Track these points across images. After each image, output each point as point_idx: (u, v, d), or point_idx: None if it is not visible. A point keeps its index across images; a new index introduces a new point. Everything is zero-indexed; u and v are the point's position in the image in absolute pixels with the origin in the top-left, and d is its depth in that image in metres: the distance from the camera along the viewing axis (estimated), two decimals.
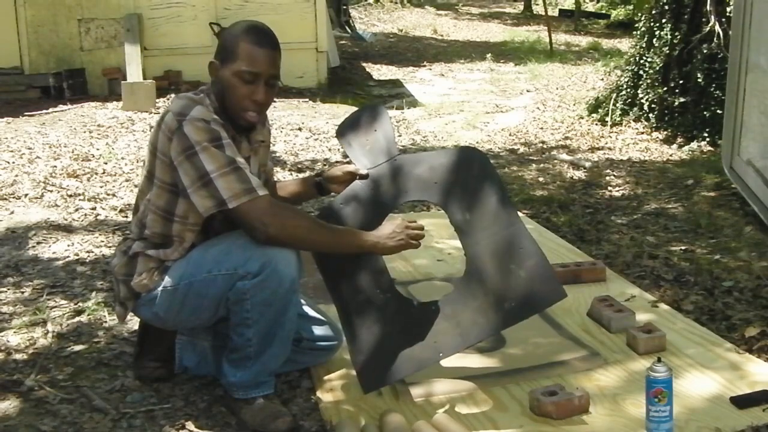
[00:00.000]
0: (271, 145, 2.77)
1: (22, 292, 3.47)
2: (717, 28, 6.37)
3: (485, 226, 2.53)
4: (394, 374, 2.47)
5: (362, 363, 2.47)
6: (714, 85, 6.39)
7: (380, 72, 11.19)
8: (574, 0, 18.18)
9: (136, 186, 4.99)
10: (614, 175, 5.50)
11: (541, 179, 5.45)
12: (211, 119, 2.32)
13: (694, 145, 6.29)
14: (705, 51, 6.48)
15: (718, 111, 5.90)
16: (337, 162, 5.91)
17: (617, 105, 7.13)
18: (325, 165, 5.85)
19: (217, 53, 2.44)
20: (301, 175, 5.50)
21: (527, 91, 9.50)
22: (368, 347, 2.48)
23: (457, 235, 2.58)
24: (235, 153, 2.32)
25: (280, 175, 5.44)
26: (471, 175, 2.60)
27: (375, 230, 2.47)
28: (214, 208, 2.29)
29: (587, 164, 5.79)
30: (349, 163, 2.78)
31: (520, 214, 4.41)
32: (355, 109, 2.80)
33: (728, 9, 6.33)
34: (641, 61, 6.99)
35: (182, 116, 2.31)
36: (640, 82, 6.97)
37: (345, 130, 2.85)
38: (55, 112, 7.63)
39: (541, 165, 5.85)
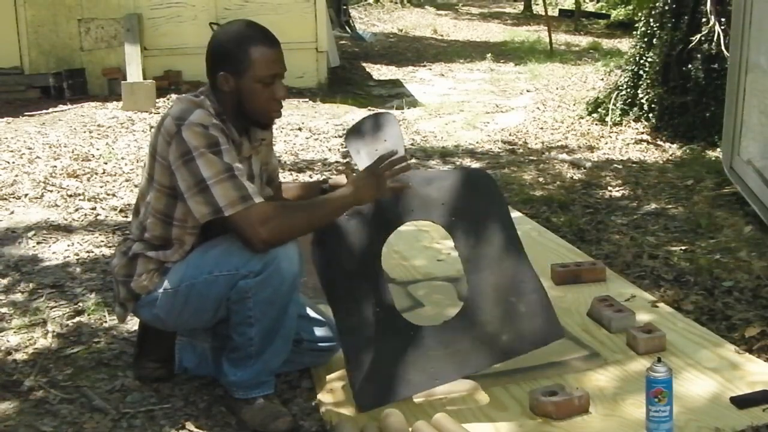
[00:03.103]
0: (273, 144, 2.77)
1: (22, 292, 3.47)
2: (717, 28, 6.35)
3: (490, 255, 2.54)
4: (390, 395, 2.46)
5: (359, 381, 2.46)
6: (714, 85, 6.37)
7: (380, 72, 11.18)
8: (574, 0, 18.17)
9: (136, 186, 4.99)
10: (614, 175, 5.50)
11: (540, 179, 5.45)
12: (210, 124, 2.31)
13: (694, 145, 6.29)
14: (705, 51, 6.47)
15: (718, 111, 5.88)
16: (336, 162, 5.91)
17: (617, 105, 7.12)
18: (324, 165, 5.84)
19: (222, 63, 2.39)
20: (300, 176, 5.50)
21: (527, 91, 9.49)
22: (365, 366, 2.46)
23: (461, 263, 2.59)
24: (233, 159, 2.31)
25: (280, 175, 5.43)
26: (478, 202, 2.60)
27: (352, 181, 2.42)
28: (209, 215, 2.28)
29: (587, 164, 5.78)
30: (353, 168, 2.76)
31: (520, 214, 4.45)
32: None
33: (728, 9, 6.32)
34: (641, 61, 6.98)
35: (181, 120, 2.30)
36: (640, 82, 6.96)
37: (354, 136, 2.82)
38: (55, 112, 7.63)
39: (541, 165, 5.84)
